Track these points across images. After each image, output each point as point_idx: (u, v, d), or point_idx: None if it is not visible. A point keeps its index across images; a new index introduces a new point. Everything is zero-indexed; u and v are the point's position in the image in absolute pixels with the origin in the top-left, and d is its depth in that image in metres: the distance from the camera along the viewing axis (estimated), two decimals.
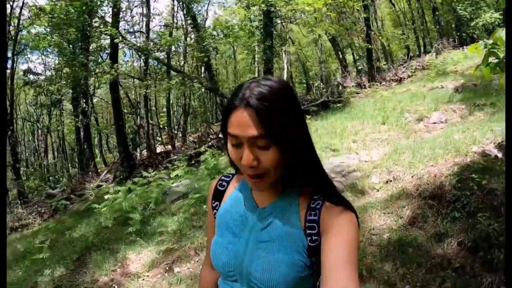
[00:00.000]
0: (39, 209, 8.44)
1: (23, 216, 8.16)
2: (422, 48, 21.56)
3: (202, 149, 6.99)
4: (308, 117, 8.16)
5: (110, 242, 4.32)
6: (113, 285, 3.38)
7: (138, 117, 11.99)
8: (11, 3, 13.86)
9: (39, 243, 4.54)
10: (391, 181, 3.66)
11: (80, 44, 11.45)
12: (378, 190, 3.61)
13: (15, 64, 14.67)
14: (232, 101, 0.82)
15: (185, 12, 11.69)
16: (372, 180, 3.86)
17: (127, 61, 15.77)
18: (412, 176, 3.48)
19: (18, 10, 14.26)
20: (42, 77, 17.71)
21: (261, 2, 7.94)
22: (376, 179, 3.82)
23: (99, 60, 10.60)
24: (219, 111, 14.61)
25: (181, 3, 11.85)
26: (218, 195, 1.04)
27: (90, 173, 9.63)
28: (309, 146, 0.87)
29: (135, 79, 11.02)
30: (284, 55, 16.58)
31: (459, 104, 6.68)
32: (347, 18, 14.68)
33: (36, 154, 19.39)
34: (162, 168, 7.46)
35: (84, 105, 10.37)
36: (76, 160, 15.99)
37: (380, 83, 11.85)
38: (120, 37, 8.30)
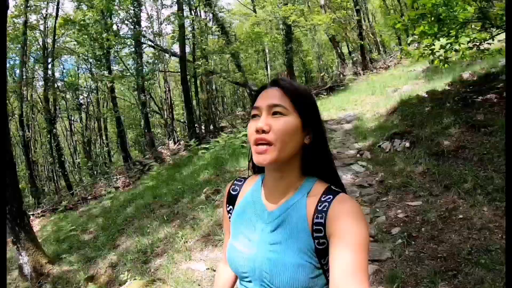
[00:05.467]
0: (127, 174, 12.86)
1: (119, 180, 12.61)
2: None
3: None
4: (324, 95, 13.04)
5: (230, 161, 8.51)
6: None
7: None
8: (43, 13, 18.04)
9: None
10: (375, 114, 8.32)
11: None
12: (369, 118, 8.26)
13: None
14: (263, 85, 1.09)
15: (214, 21, 16.37)
16: (366, 115, 8.52)
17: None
18: (384, 108, 8.17)
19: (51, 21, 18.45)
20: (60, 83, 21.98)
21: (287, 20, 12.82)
22: (368, 114, 8.49)
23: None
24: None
25: (210, 13, 16.51)
26: (231, 199, 1.21)
27: (155, 148, 14.15)
28: (323, 138, 1.06)
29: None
30: None
31: (422, 80, 11.35)
32: (342, 13, 19.51)
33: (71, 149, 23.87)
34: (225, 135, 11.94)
35: (144, 98, 14.89)
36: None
37: (372, 71, 16.67)
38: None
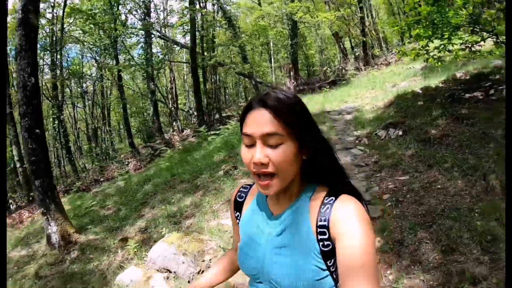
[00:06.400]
0: (138, 158, 13.88)
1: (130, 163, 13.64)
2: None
3: None
4: (327, 88, 14.06)
5: (239, 146, 9.41)
6: None
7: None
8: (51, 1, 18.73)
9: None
10: (373, 107, 9.31)
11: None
12: (368, 110, 9.25)
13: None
14: (250, 103, 1.05)
15: (221, 14, 17.27)
16: (365, 108, 9.51)
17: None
18: (382, 102, 9.17)
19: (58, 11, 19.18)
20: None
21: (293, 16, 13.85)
22: (367, 107, 9.48)
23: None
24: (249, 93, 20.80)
25: (216, 6, 17.41)
26: (238, 206, 1.30)
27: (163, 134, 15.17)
28: (325, 143, 1.08)
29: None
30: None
31: (419, 77, 12.33)
32: (345, 10, 20.43)
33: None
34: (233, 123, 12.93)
35: (153, 87, 15.83)
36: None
37: (373, 67, 17.64)
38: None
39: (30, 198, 12.98)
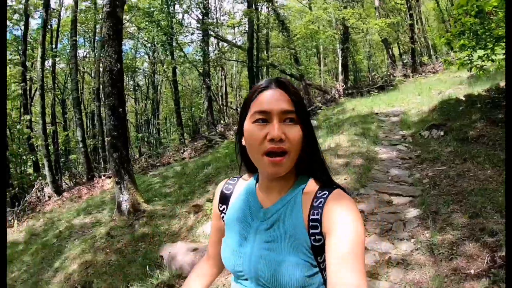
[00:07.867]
0: (193, 147, 15.41)
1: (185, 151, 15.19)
2: None
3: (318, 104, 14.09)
4: (375, 92, 15.17)
5: None
6: None
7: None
8: None
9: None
10: (419, 111, 10.34)
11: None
12: (413, 114, 10.29)
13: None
14: (260, 85, 1.07)
15: (274, 17, 18.56)
16: (411, 111, 10.55)
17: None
18: (427, 107, 10.20)
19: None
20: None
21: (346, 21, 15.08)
22: (413, 111, 10.51)
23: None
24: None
25: (270, 9, 18.71)
26: (225, 198, 1.25)
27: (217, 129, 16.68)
28: (314, 139, 1.09)
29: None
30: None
31: (464, 85, 13.18)
32: (395, 17, 21.24)
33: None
34: None
35: (209, 83, 17.36)
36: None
37: (421, 74, 18.46)
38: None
39: (89, 176, 14.52)
